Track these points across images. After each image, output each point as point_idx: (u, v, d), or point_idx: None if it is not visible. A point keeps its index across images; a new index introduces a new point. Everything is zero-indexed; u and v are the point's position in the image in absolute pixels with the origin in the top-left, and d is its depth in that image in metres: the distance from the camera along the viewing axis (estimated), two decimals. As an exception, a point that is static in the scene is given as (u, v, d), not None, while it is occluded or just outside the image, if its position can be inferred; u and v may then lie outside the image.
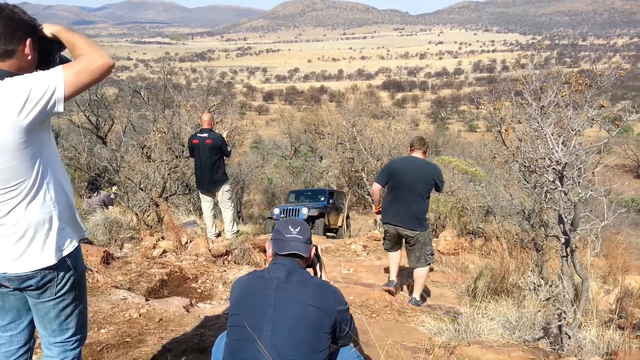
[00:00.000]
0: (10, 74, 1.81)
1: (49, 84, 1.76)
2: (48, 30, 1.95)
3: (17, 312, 2.02)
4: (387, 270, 6.07)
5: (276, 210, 13.26)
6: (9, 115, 1.71)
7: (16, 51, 1.85)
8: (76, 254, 2.01)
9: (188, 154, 11.83)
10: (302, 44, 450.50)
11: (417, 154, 5.17)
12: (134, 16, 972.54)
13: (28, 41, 1.88)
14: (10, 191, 1.79)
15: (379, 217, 5.61)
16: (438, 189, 5.14)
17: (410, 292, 5.41)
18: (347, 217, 14.96)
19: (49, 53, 1.99)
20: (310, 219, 12.63)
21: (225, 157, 7.54)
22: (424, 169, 5.03)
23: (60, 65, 1.83)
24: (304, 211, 12.86)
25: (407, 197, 4.98)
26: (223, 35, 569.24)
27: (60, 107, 1.81)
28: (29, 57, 1.90)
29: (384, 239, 5.48)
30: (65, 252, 1.92)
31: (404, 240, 5.28)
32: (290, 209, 13.08)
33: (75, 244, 1.99)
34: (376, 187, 5.26)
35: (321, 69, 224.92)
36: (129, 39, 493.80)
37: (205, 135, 7.15)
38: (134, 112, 14.41)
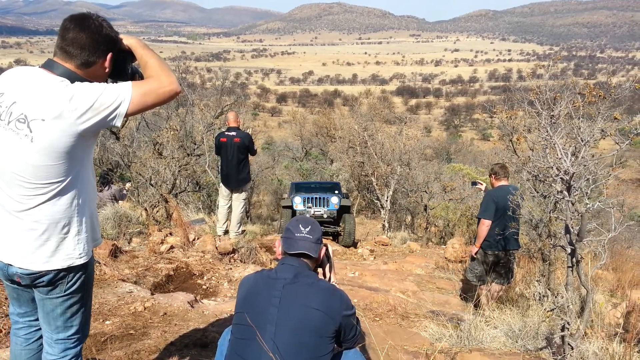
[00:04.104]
0: (82, 79, 1.83)
1: (117, 98, 1.78)
2: (125, 41, 1.97)
3: (33, 303, 2.04)
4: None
5: (297, 199, 10.89)
6: (68, 117, 1.72)
7: (96, 63, 1.89)
8: None
9: (199, 152, 11.98)
10: (317, 47, 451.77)
11: (504, 182, 5.52)
12: (152, 15, 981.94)
13: (109, 56, 1.91)
14: (40, 188, 1.78)
15: (473, 253, 5.65)
16: None
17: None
18: None
19: (122, 63, 2.00)
20: (341, 212, 10.82)
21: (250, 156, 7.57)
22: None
23: (131, 82, 1.85)
24: (334, 200, 10.84)
25: (510, 223, 5.27)
26: (239, 36, 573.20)
27: (118, 122, 1.82)
28: (106, 70, 1.94)
29: (475, 269, 5.55)
30: (77, 262, 1.91)
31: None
32: (316, 198, 10.93)
33: (90, 254, 1.98)
34: (488, 224, 5.39)
35: (335, 72, 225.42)
36: (146, 37, 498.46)
37: (234, 133, 7.20)
38: (148, 109, 14.56)
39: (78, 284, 1.96)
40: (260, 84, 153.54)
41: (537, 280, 5.19)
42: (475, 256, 5.59)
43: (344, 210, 10.97)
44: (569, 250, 3.56)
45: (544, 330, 3.80)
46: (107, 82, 1.94)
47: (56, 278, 1.89)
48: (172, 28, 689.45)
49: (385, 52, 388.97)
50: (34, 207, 1.81)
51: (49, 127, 1.72)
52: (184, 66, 15.88)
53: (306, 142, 30.66)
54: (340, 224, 10.88)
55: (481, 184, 6.23)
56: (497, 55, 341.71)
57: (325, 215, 10.81)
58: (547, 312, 3.91)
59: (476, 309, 5.33)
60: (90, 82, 1.83)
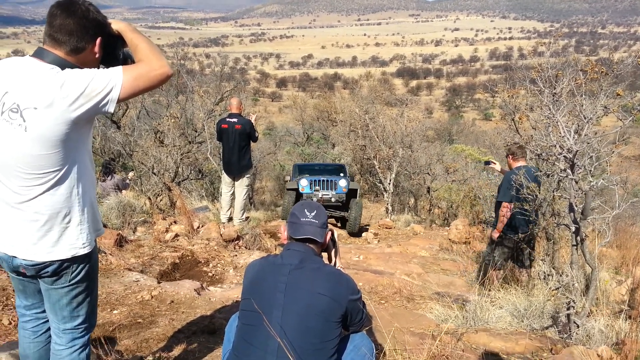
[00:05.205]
0: (72, 66, 1.82)
1: (108, 83, 1.76)
2: (114, 26, 1.95)
3: (39, 295, 2.05)
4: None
5: (304, 182, 10.51)
6: (60, 105, 1.72)
7: (86, 49, 1.87)
8: None
9: (200, 140, 11.95)
10: (316, 30, 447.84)
11: (522, 162, 5.33)
12: (148, 0, 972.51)
13: (98, 40, 1.89)
14: (37, 178, 1.78)
15: (495, 237, 5.49)
16: None
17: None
18: None
19: (113, 48, 1.98)
20: (349, 196, 10.50)
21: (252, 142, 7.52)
22: (534, 178, 5.13)
23: (121, 67, 1.83)
24: (342, 183, 10.44)
25: (515, 203, 5.08)
26: (237, 21, 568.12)
27: (111, 108, 1.81)
28: (97, 55, 1.92)
29: (498, 256, 5.43)
30: (81, 251, 1.92)
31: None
32: (323, 181, 10.55)
33: (93, 244, 1.98)
34: (511, 206, 5.20)
35: (335, 55, 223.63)
36: (143, 23, 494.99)
37: (235, 120, 7.17)
38: (148, 97, 14.51)
39: (82, 273, 1.97)
40: (259, 69, 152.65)
41: (541, 260, 5.20)
42: (496, 239, 5.42)
43: (351, 194, 10.64)
44: (573, 229, 3.56)
45: (550, 309, 3.82)
46: (98, 67, 1.92)
47: (60, 268, 1.90)
48: (169, 14, 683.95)
49: (384, 33, 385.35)
50: (33, 198, 1.81)
51: (42, 115, 1.71)
52: (182, 52, 15.72)
53: (307, 126, 30.59)
54: (349, 209, 10.46)
55: (494, 163, 6.10)
56: (497, 34, 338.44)
57: (333, 199, 10.46)
58: (552, 291, 3.93)
59: (482, 287, 5.33)
60: (81, 68, 1.82)
